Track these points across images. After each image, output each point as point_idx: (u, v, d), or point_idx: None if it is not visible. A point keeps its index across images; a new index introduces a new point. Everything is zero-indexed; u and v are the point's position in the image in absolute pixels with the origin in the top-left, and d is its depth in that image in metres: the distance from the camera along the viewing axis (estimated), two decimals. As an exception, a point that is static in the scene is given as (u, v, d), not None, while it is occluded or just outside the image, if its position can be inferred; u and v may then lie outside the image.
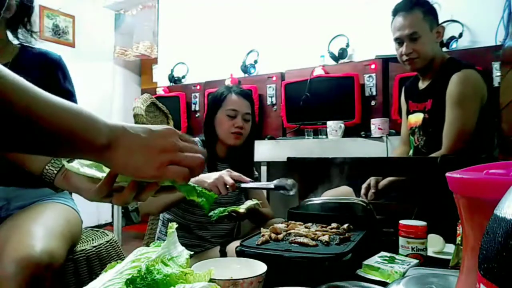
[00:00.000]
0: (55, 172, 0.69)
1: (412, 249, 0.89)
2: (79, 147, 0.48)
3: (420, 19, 1.58)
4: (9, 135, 0.43)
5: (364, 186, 1.62)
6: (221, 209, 1.17)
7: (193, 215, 1.42)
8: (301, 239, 0.84)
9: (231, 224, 1.50)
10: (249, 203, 1.25)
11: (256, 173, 1.62)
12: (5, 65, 0.43)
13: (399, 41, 1.63)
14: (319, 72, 2.64)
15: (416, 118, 1.69)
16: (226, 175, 1.21)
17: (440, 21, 1.71)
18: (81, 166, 0.63)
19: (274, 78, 2.87)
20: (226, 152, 1.50)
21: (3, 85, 0.41)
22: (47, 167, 0.70)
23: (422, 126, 1.64)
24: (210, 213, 1.16)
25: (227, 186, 1.18)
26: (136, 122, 1.99)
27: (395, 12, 1.63)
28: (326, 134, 2.45)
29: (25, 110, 0.43)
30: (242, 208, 1.21)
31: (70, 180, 0.67)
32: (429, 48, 1.59)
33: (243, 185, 1.22)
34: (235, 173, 1.23)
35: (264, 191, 1.82)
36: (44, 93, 0.45)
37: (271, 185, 1.22)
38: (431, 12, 1.62)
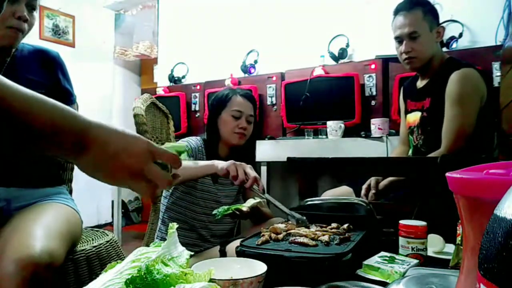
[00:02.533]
0: None
1: (412, 249, 0.89)
2: (51, 142, 0.48)
3: (420, 18, 1.59)
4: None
5: (364, 186, 1.62)
6: (225, 207, 1.17)
7: (195, 213, 1.43)
8: (301, 239, 0.84)
9: (231, 224, 1.51)
10: (252, 201, 1.25)
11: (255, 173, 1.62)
12: (3, 62, 0.43)
13: (399, 39, 1.64)
14: (319, 72, 2.64)
15: (415, 117, 1.69)
16: (249, 168, 1.20)
17: (440, 21, 1.71)
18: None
19: (274, 78, 2.87)
20: (227, 152, 1.52)
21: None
22: None
23: (421, 124, 1.65)
24: (214, 212, 1.15)
25: (246, 178, 1.16)
26: (136, 122, 1.99)
27: (396, 12, 1.65)
28: (326, 134, 2.45)
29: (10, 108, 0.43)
30: (245, 207, 1.21)
31: None
32: (429, 47, 1.60)
33: (267, 196, 1.18)
34: (255, 173, 1.20)
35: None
36: (20, 87, 0.45)
37: (291, 215, 1.12)
38: (432, 12, 1.63)
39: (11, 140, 0.47)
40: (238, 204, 1.30)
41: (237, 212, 1.21)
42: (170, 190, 1.47)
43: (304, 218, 1.07)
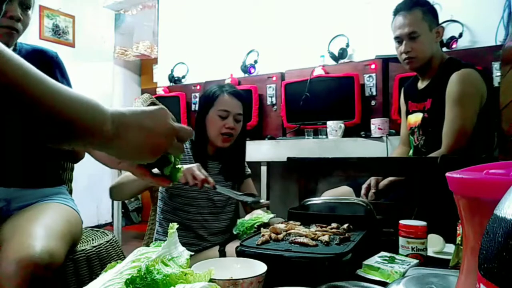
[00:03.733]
0: None
1: (412, 249, 0.89)
2: (87, 136, 0.49)
3: (420, 18, 1.59)
4: (23, 126, 0.43)
5: (364, 186, 1.62)
6: (245, 224, 1.19)
7: (189, 214, 1.42)
8: (301, 239, 0.84)
9: (227, 221, 1.50)
10: (270, 215, 1.27)
11: (249, 170, 1.61)
12: None
13: (398, 39, 1.64)
14: (319, 72, 2.64)
15: (416, 118, 1.69)
16: (197, 169, 1.23)
17: (440, 21, 1.71)
18: None
19: (274, 78, 2.87)
20: (216, 150, 1.50)
21: (17, 75, 0.41)
22: None
23: (422, 125, 1.65)
24: (235, 231, 1.21)
25: (196, 181, 1.20)
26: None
27: (396, 12, 1.65)
28: (326, 134, 2.45)
29: (38, 100, 0.43)
30: (266, 219, 1.22)
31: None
32: (428, 47, 1.60)
33: (218, 188, 1.26)
34: (204, 172, 1.25)
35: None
36: (56, 84, 0.46)
37: (245, 199, 1.32)
38: (431, 12, 1.63)
39: (48, 140, 0.47)
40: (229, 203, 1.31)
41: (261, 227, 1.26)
42: (163, 193, 1.47)
43: (257, 199, 1.26)
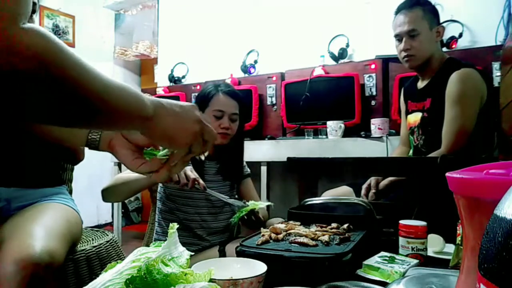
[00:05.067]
0: (98, 138, 0.74)
1: (412, 249, 0.89)
2: (130, 120, 0.55)
3: (420, 17, 1.60)
4: (76, 113, 0.47)
5: (364, 186, 1.62)
6: (238, 213, 1.23)
7: (187, 214, 1.42)
8: (301, 239, 0.84)
9: (226, 221, 1.49)
10: (265, 203, 1.32)
11: (248, 170, 1.61)
12: None
13: (398, 37, 1.65)
14: (319, 72, 2.64)
15: (415, 117, 1.69)
16: (189, 170, 1.25)
17: (440, 21, 1.71)
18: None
19: (274, 78, 2.87)
20: (213, 150, 1.49)
21: (74, 67, 0.45)
22: (89, 136, 0.74)
23: (421, 125, 1.65)
24: (230, 220, 1.31)
25: (186, 182, 1.22)
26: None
27: (398, 11, 1.66)
28: (326, 134, 2.45)
29: (90, 91, 0.47)
30: (260, 206, 1.26)
31: (115, 149, 0.71)
32: (428, 46, 1.60)
33: (208, 191, 1.29)
34: (195, 174, 1.27)
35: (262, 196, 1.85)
36: (100, 73, 0.49)
37: (235, 203, 1.37)
38: (432, 11, 1.63)
39: (94, 125, 0.55)
40: (245, 206, 1.33)
41: (253, 218, 1.30)
42: (161, 193, 1.47)
43: (243, 203, 1.33)
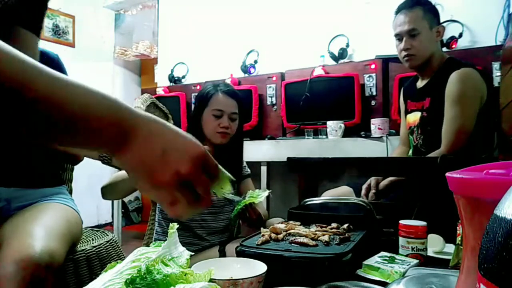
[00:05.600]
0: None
1: (412, 249, 0.89)
2: (96, 131, 0.43)
3: (420, 16, 1.60)
4: (26, 124, 0.39)
5: (364, 186, 1.62)
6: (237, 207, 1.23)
7: None
8: (301, 239, 0.84)
9: (226, 221, 1.49)
10: (264, 193, 1.33)
11: (249, 170, 1.61)
12: None
13: (398, 37, 1.65)
14: (319, 72, 2.64)
15: (415, 117, 1.69)
16: None
17: (441, 21, 1.71)
18: None
19: (274, 78, 2.87)
20: (213, 151, 1.49)
21: (21, 70, 0.39)
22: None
23: (420, 124, 1.65)
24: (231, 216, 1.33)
25: None
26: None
27: (398, 11, 1.66)
28: (326, 134, 2.45)
29: (45, 96, 0.39)
30: (260, 196, 1.26)
31: None
32: (428, 45, 1.60)
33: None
34: None
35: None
36: (45, 68, 0.42)
37: (235, 198, 1.36)
38: (432, 11, 1.64)
39: (34, 130, 0.40)
40: (242, 200, 1.33)
41: (247, 214, 1.31)
42: None
43: (237, 198, 1.34)
